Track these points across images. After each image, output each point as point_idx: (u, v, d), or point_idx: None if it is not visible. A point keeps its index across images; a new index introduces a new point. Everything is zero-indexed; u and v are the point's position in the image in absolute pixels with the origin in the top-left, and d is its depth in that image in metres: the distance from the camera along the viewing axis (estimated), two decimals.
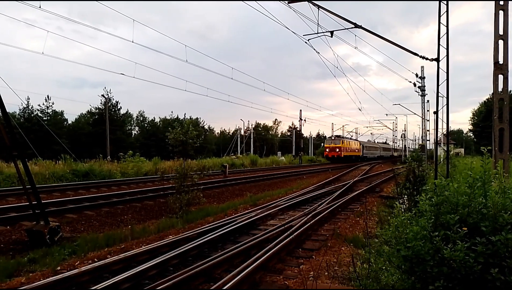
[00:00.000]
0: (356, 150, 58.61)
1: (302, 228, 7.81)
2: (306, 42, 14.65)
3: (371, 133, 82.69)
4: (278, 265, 5.87)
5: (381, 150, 79.41)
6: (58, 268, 5.80)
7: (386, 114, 74.31)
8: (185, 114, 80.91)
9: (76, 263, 6.04)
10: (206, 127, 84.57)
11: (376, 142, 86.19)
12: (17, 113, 49.83)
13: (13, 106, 51.63)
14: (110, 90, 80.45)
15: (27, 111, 51.05)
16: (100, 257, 6.36)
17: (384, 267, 4.26)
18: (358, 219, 10.07)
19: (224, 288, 4.44)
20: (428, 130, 28.66)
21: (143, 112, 75.59)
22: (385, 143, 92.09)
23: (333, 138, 54.37)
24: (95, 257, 6.40)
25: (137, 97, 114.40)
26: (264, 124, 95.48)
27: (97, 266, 5.36)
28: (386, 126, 69.57)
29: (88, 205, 11.26)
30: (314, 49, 15.93)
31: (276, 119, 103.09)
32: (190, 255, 6.35)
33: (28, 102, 50.67)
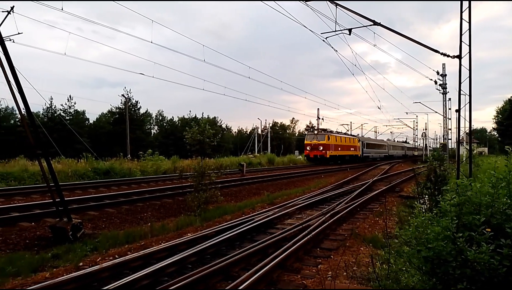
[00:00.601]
0: (352, 149, 47.48)
1: (320, 228, 7.76)
2: (324, 40, 14.53)
3: (390, 132, 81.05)
4: (295, 264, 5.85)
5: (390, 148, 68.90)
6: (80, 264, 5.95)
7: (406, 113, 72.79)
8: (202, 113, 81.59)
9: (98, 259, 6.18)
10: (223, 126, 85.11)
11: (395, 140, 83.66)
12: (41, 112, 51.30)
13: (37, 106, 53.19)
14: (130, 90, 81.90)
15: (50, 111, 52.50)
16: (120, 253, 6.49)
17: (404, 268, 4.19)
18: (377, 219, 9.93)
19: (242, 286, 4.45)
20: (450, 129, 27.98)
21: (162, 111, 76.65)
22: (398, 141, 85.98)
23: (315, 132, 41.67)
24: (115, 253, 6.53)
25: (155, 96, 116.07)
26: (281, 123, 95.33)
27: (117, 263, 5.47)
28: (406, 124, 68.01)
29: (109, 202, 11.50)
30: (332, 47, 15.75)
31: (293, 118, 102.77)
32: (208, 253, 6.40)
33: (51, 102, 52.12)
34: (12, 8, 15.38)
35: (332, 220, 8.71)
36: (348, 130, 53.01)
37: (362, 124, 72.50)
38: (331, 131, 43.21)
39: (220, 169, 11.86)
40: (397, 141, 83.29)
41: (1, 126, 43.58)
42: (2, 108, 46.97)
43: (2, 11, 15.07)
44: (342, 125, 53.94)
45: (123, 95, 58.37)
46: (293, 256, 6.01)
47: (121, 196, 12.88)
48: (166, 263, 5.41)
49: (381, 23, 12.49)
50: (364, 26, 13.20)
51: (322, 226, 7.91)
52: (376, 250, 6.57)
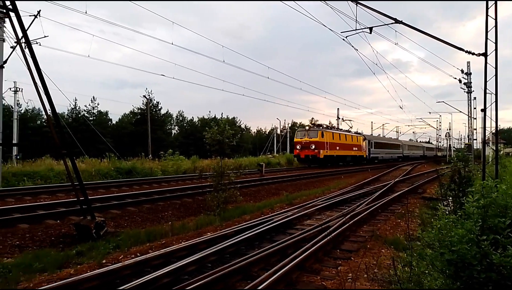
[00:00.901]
0: (355, 148, 40.94)
1: (340, 229, 7.68)
2: (344, 39, 14.36)
3: (413, 132, 79.10)
4: (315, 265, 5.81)
5: (405, 148, 61.96)
6: (103, 261, 6.09)
7: (429, 112, 70.91)
8: (222, 113, 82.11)
9: (120, 257, 6.31)
10: (242, 126, 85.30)
11: (418, 140, 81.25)
12: (66, 113, 52.72)
13: (62, 107, 54.72)
14: (151, 91, 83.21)
15: (74, 112, 53.91)
16: (142, 251, 6.61)
17: (426, 271, 4.10)
18: (399, 221, 9.75)
19: (261, 286, 4.46)
20: (475, 129, 27.16)
21: (182, 112, 77.49)
22: (416, 140, 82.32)
23: (307, 128, 34.61)
24: (137, 251, 6.66)
25: (176, 97, 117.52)
26: (300, 123, 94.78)
27: (139, 261, 5.57)
28: (429, 124, 65.71)
29: (131, 201, 11.72)
30: (352, 46, 15.53)
31: (312, 118, 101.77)
32: (227, 252, 6.44)
33: (75, 103, 53.49)
34: (38, 12, 15.90)
35: (352, 221, 8.60)
36: (351, 127, 44.77)
37: (383, 124, 70.77)
38: (328, 127, 36.96)
39: (239, 169, 11.92)
40: (415, 141, 77.91)
41: (28, 127, 45.07)
42: (29, 109, 48.61)
43: (30, 15, 15.61)
44: (344, 120, 46.01)
45: (144, 96, 59.42)
46: (313, 257, 5.97)
47: (142, 195, 13.11)
48: (186, 262, 5.48)
49: (403, 21, 12.24)
50: (385, 25, 12.98)
51: (342, 227, 7.83)
52: (397, 253, 6.45)
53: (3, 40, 16.15)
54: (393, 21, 12.39)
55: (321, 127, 34.59)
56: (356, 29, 13.41)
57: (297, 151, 34.00)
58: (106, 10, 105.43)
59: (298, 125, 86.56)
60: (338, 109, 59.20)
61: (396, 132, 73.38)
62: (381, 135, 64.05)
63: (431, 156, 76.46)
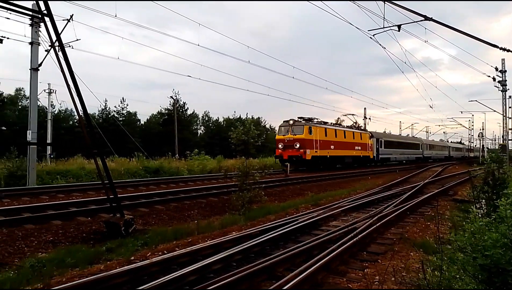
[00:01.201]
0: (357, 147, 34.45)
1: (367, 231, 7.54)
2: (371, 38, 14.12)
3: (444, 132, 76.44)
4: (341, 267, 5.74)
5: (425, 148, 54.88)
6: (132, 258, 6.25)
7: (461, 112, 68.17)
8: (247, 113, 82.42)
9: (148, 254, 6.46)
10: (267, 126, 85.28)
11: (448, 141, 78.19)
12: (97, 114, 54.43)
13: (93, 107, 56.39)
14: (178, 92, 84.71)
15: (105, 112, 55.57)
16: (169, 249, 6.74)
17: (458, 276, 3.97)
18: (428, 223, 9.47)
19: (286, 286, 4.45)
20: (511, 129, 25.99)
21: (208, 112, 78.36)
22: (444, 140, 77.64)
23: (291, 122, 27.56)
24: (164, 249, 6.79)
25: (202, 97, 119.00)
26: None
27: (166, 258, 5.69)
28: (460, 124, 63.05)
29: (158, 200, 11.98)
30: (380, 44, 15.25)
31: (338, 118, 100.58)
32: (252, 251, 6.46)
33: (106, 104, 55.12)
34: (71, 16, 16.52)
35: (379, 223, 8.43)
36: (355, 123, 38.69)
37: (412, 124, 68.75)
38: (322, 122, 30.02)
39: (264, 169, 11.92)
40: (439, 140, 71.75)
41: (61, 127, 46.83)
42: (62, 110, 50.53)
43: (63, 20, 16.23)
44: (345, 115, 40.30)
45: (171, 97, 60.45)
46: (339, 259, 5.90)
47: (169, 194, 13.36)
48: (212, 260, 5.54)
49: (432, 18, 11.89)
50: (414, 22, 12.66)
51: (369, 229, 7.69)
52: (427, 256, 6.27)
53: (38, 44, 16.89)
54: (423, 18, 12.05)
55: (309, 122, 28.04)
56: (384, 27, 13.15)
57: (279, 151, 27.37)
58: (135, 13, 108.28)
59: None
60: (365, 108, 58.24)
61: (426, 132, 71.14)
62: (410, 135, 61.59)
63: (458, 157, 71.24)
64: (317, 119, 29.77)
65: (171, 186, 16.52)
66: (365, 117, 53.49)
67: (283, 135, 27.79)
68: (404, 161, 47.23)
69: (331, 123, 32.90)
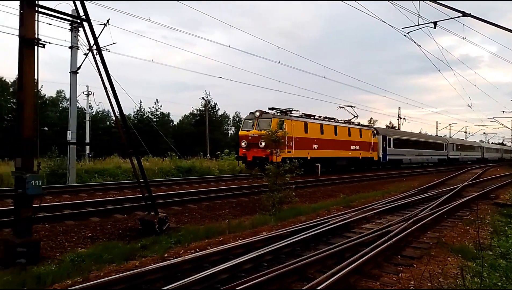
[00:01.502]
0: (355, 147, 28.53)
1: (402, 234, 7.32)
2: (405, 35, 13.70)
3: (484, 133, 72.80)
4: (374, 271, 5.60)
5: (451, 148, 47.56)
6: (166, 255, 6.40)
7: (503, 111, 64.54)
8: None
9: (181, 252, 6.59)
10: None
11: (489, 142, 74.13)
12: (132, 115, 56.21)
13: (129, 109, 58.26)
14: (209, 93, 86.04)
15: (140, 114, 57.30)
16: (201, 247, 6.84)
17: (500, 284, 3.77)
18: (467, 228, 9.05)
19: (318, 288, 4.40)
20: None
21: (239, 112, 78.96)
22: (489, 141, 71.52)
23: (257, 114, 22.01)
24: (196, 247, 6.90)
25: (233, 98, 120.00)
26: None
27: (198, 256, 5.78)
28: (502, 124, 59.23)
29: (191, 199, 12.21)
30: (415, 42, 14.74)
31: (371, 118, 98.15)
32: (283, 252, 6.44)
33: (140, 105, 56.81)
34: (107, 20, 17.15)
35: (415, 226, 8.15)
36: (355, 117, 31.55)
37: (450, 124, 65.91)
38: (303, 115, 24.36)
39: (294, 169, 11.85)
40: (469, 140, 64.21)
41: (99, 128, 48.73)
42: (99, 111, 52.56)
43: (100, 24, 16.88)
44: (342, 107, 31.69)
45: (203, 98, 61.44)
46: (372, 262, 5.76)
47: (201, 193, 13.58)
48: (243, 259, 5.57)
49: (471, 13, 11.36)
50: (451, 18, 12.13)
51: (404, 233, 7.46)
52: (466, 262, 6.00)
53: (77, 48, 17.67)
54: (460, 14, 11.54)
55: (283, 114, 22.35)
56: (418, 24, 12.71)
57: (243, 150, 21.76)
58: (168, 16, 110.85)
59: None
60: (399, 108, 56.48)
61: (465, 132, 68.02)
62: (448, 136, 58.58)
63: (494, 159, 64.35)
64: (298, 111, 24.07)
65: (202, 185, 16.78)
66: (399, 117, 52.07)
67: (247, 131, 21.81)
68: (422, 164, 41.31)
69: (321, 117, 26.33)
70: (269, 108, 22.40)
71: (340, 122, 28.38)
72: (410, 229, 7.82)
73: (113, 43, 20.92)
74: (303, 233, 7.39)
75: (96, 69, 7.96)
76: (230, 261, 5.50)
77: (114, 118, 8.64)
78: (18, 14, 6.51)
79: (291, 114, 23.28)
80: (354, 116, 31.49)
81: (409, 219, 8.88)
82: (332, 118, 27.82)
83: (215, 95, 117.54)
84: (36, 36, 6.52)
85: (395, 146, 34.75)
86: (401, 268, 5.83)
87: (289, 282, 5.01)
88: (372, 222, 9.50)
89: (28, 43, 6.42)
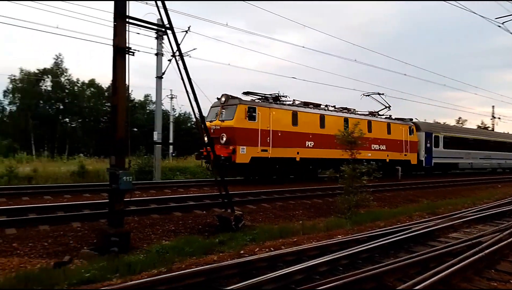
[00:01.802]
0: (378, 146, 22.17)
1: (496, 246, 6.58)
2: (500, 26, 12.35)
3: None
4: (462, 284, 5.13)
5: None
6: (241, 251, 6.59)
7: None
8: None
9: (256, 250, 6.73)
10: None
11: None
12: None
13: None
14: (283, 94, 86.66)
15: None
16: (275, 247, 6.92)
17: None
18: None
19: None
20: None
21: None
22: None
23: (222, 100, 16.96)
24: (271, 246, 6.99)
25: (306, 98, 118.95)
26: (444, 123, 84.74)
27: (272, 255, 5.85)
28: None
29: (265, 198, 12.43)
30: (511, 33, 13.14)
31: (460, 118, 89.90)
32: (360, 257, 6.21)
33: None
34: (188, 28, 18.21)
35: None
36: (386, 108, 24.68)
37: None
38: (293, 103, 19.05)
39: (372, 172, 11.35)
40: None
41: (181, 129, 51.96)
42: (181, 113, 56.00)
43: (181, 31, 17.99)
44: (367, 95, 24.71)
45: None
46: (460, 274, 5.28)
47: (275, 193, 13.72)
48: (318, 262, 5.50)
49: None
50: None
51: (499, 245, 6.70)
52: None
53: (162, 55, 19.06)
54: None
55: (246, 99, 17.21)
56: None
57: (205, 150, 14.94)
58: (244, 21, 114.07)
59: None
60: (493, 106, 50.93)
61: None
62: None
63: None
64: (284, 96, 18.73)
65: (276, 186, 16.92)
66: (493, 116, 46.84)
67: (210, 122, 16.89)
68: (486, 168, 32.75)
69: (328, 107, 20.66)
70: (243, 93, 17.57)
71: (352, 113, 21.72)
72: (506, 241, 7.00)
73: (194, 49, 22.16)
74: (382, 239, 7.05)
75: (179, 74, 8.49)
76: (305, 262, 5.47)
77: (194, 119, 9.13)
78: (112, 25, 7.24)
79: (278, 102, 18.17)
80: (385, 107, 24.45)
81: (505, 230, 7.96)
82: (347, 109, 21.85)
83: (290, 96, 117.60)
84: (127, 45, 7.19)
85: (446, 146, 27.15)
86: (496, 284, 5.25)
87: (367, 288, 4.82)
88: (460, 231, 8.70)
89: (121, 51, 7.11)
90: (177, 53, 8.43)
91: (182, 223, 8.96)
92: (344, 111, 21.42)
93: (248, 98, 17.58)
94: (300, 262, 5.62)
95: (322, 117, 19.41)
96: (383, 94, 24.00)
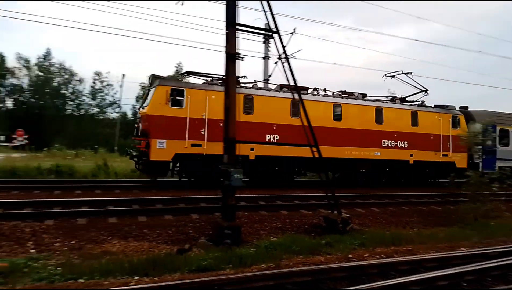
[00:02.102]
0: (394, 142, 16.27)
1: None
2: None
3: None
4: None
5: None
6: (350, 255, 6.37)
7: None
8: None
9: (365, 255, 6.43)
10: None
11: None
12: None
13: None
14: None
15: None
16: (386, 254, 6.52)
17: None
18: None
19: None
20: None
21: None
22: None
23: (149, 83, 14.53)
24: (382, 253, 6.61)
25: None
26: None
27: (384, 262, 5.54)
28: None
29: (375, 202, 11.84)
30: None
31: None
32: (489, 275, 5.46)
33: None
34: (294, 30, 18.39)
35: None
36: (423, 92, 18.28)
37: None
38: (216, 82, 13.85)
39: (506, 178, 9.87)
40: None
41: None
42: None
43: (287, 34, 18.26)
44: (393, 76, 18.35)
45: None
46: None
47: (386, 197, 12.95)
48: (437, 275, 5.01)
49: None
50: None
51: None
52: None
53: (269, 58, 19.64)
54: None
55: (173, 80, 14.80)
56: None
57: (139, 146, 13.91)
58: (351, 18, 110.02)
59: None
60: None
61: None
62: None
63: None
64: (243, 77, 14.21)
65: (387, 189, 15.95)
66: None
67: (140, 109, 14.53)
68: None
69: (319, 91, 15.83)
70: (182, 73, 13.24)
71: (356, 98, 16.46)
72: None
73: (299, 50, 22.23)
74: None
75: (285, 75, 8.61)
76: (422, 274, 5.05)
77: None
78: (224, 34, 7.73)
79: (222, 83, 13.23)
80: (420, 91, 18.33)
81: None
82: (347, 93, 16.64)
83: (400, 92, 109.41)
84: (237, 51, 7.62)
85: (507, 144, 18.91)
86: None
87: None
88: None
89: (231, 57, 7.59)
90: (283, 56, 8.56)
91: (289, 221, 9.08)
92: (344, 96, 16.36)
93: (193, 80, 14.03)
94: (416, 272, 5.20)
95: (294, 103, 14.26)
96: (410, 73, 18.16)
